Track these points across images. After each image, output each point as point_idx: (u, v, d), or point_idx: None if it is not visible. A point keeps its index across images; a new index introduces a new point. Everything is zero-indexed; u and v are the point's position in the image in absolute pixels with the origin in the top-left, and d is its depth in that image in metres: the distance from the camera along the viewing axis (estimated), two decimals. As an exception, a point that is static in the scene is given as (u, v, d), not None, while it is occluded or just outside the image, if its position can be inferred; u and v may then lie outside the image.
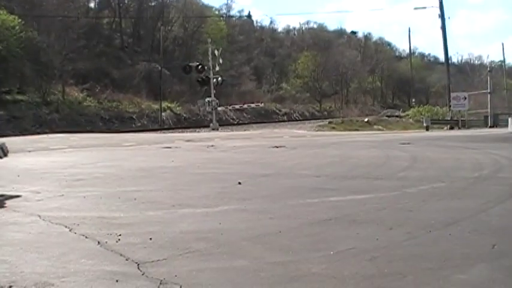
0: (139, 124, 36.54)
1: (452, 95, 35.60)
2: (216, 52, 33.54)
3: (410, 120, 39.55)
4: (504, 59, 63.94)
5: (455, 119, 35.15)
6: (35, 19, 38.00)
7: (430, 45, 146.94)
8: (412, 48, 75.30)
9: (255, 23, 70.12)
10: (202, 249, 4.06)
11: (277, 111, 51.25)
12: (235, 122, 42.27)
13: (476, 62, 75.81)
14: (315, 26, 74.30)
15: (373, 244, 4.16)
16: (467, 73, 61.64)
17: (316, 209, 5.61)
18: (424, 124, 32.38)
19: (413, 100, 56.38)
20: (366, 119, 37.71)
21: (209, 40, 35.21)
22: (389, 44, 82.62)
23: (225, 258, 3.84)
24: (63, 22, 38.98)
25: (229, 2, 69.94)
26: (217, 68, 33.63)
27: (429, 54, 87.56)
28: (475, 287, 3.22)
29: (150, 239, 4.36)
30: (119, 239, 4.36)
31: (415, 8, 58.77)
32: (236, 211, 5.57)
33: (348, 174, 8.60)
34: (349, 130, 32.02)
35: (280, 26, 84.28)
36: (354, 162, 10.60)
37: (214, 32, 48.80)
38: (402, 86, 69.21)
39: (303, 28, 74.88)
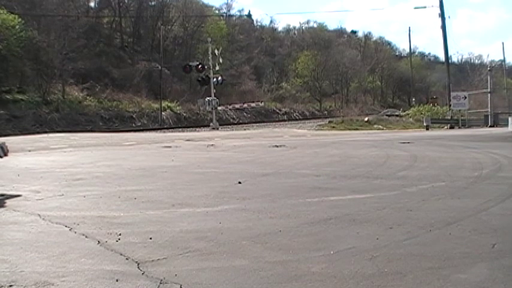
0: (139, 123, 36.54)
1: (453, 94, 35.58)
2: (216, 51, 33.55)
3: (411, 119, 39.53)
4: (504, 58, 64.14)
5: (455, 118, 35.13)
6: (35, 18, 38.03)
7: (430, 45, 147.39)
8: (412, 47, 75.63)
9: (255, 22, 70.17)
10: (202, 249, 4.07)
11: (277, 110, 51.23)
12: (235, 122, 42.26)
13: (476, 61, 75.90)
14: (315, 25, 74.30)
15: (373, 243, 4.16)
16: (467, 72, 61.63)
17: (316, 209, 5.61)
18: (424, 123, 32.38)
19: (414, 99, 56.37)
20: (366, 119, 37.68)
21: (209, 39, 35.20)
22: (389, 44, 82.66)
23: (225, 258, 3.84)
24: (63, 21, 38.99)
25: (229, 1, 69.88)
26: (217, 68, 33.64)
27: (429, 54, 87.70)
28: (475, 286, 3.22)
29: (150, 238, 4.37)
30: (119, 239, 4.37)
31: (415, 8, 59.13)
32: (236, 210, 5.57)
33: (348, 173, 8.60)
34: (349, 129, 32.02)
35: (280, 26, 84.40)
36: (354, 161, 10.60)
37: (214, 31, 48.77)
38: (402, 85, 69.20)
39: (303, 27, 74.85)
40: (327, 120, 39.45)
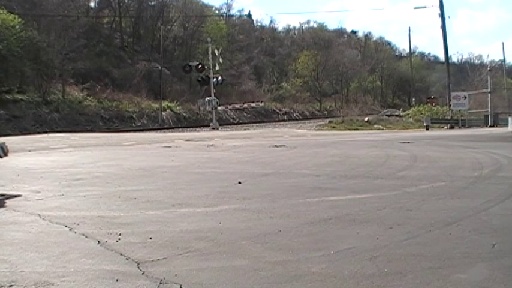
0: (139, 123, 36.54)
1: (453, 94, 35.59)
2: (216, 51, 33.56)
3: (411, 119, 39.53)
4: (504, 58, 64.28)
5: (455, 118, 35.14)
6: (35, 18, 38.01)
7: (430, 45, 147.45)
8: (412, 47, 75.68)
9: (255, 22, 70.21)
10: (202, 249, 4.07)
11: (277, 110, 51.26)
12: (235, 122, 42.27)
13: (476, 61, 75.86)
14: (315, 25, 74.44)
15: (373, 243, 4.16)
16: (467, 72, 61.61)
17: (316, 209, 5.61)
18: (424, 123, 32.39)
19: (414, 99, 56.37)
20: (366, 119, 37.68)
21: (209, 39, 35.22)
22: (389, 44, 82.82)
23: (225, 258, 3.84)
24: (63, 21, 39.01)
25: (229, 1, 69.76)
26: (217, 68, 33.65)
27: (429, 54, 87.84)
28: (475, 286, 3.22)
29: (150, 238, 4.37)
30: (119, 239, 4.37)
31: (415, 8, 59.03)
32: (236, 210, 5.57)
33: (348, 173, 8.60)
34: (349, 129, 32.03)
35: (280, 26, 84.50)
36: (354, 161, 10.60)
37: (214, 31, 48.80)
38: (402, 85, 69.27)
39: (303, 27, 74.96)
40: (327, 120, 39.46)
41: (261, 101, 41.70)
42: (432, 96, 50.67)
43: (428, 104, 43.84)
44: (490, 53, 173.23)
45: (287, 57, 62.88)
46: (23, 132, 26.18)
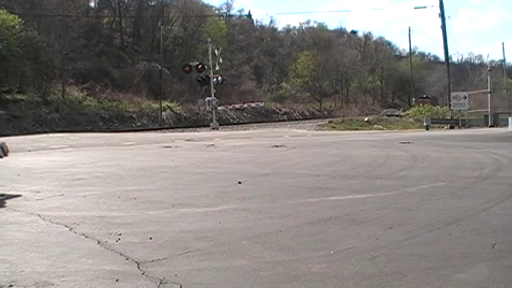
0: (139, 123, 36.54)
1: (453, 94, 35.59)
2: (216, 51, 33.56)
3: (411, 119, 39.53)
4: (504, 58, 64.22)
5: (455, 118, 35.14)
6: (35, 18, 38.04)
7: (430, 45, 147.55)
8: (412, 47, 75.69)
9: (255, 22, 70.23)
10: (202, 249, 4.07)
11: (277, 110, 51.25)
12: (235, 122, 42.26)
13: (476, 61, 75.94)
14: (315, 25, 74.50)
15: (373, 243, 4.16)
16: (467, 72, 61.61)
17: (316, 209, 5.61)
18: (424, 123, 32.38)
19: (414, 99, 56.36)
20: (366, 119, 37.68)
21: (209, 39, 35.23)
22: (389, 44, 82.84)
23: (225, 258, 3.84)
24: (63, 21, 39.05)
25: (229, 1, 69.94)
26: (217, 68, 33.65)
27: (429, 54, 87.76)
28: (475, 286, 3.22)
29: (150, 238, 4.37)
30: (119, 239, 4.37)
31: (416, 8, 58.90)
32: (236, 210, 5.57)
33: (348, 173, 8.60)
34: (349, 129, 32.02)
35: (280, 26, 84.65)
36: (354, 161, 10.60)
37: (214, 31, 48.81)
38: (402, 85, 69.25)
39: (303, 27, 74.99)
40: (327, 120, 39.46)
41: (261, 101, 41.68)
42: (424, 96, 49.54)
43: (420, 104, 43.56)
44: (490, 53, 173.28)
45: (287, 57, 62.89)
46: (23, 132, 26.19)
